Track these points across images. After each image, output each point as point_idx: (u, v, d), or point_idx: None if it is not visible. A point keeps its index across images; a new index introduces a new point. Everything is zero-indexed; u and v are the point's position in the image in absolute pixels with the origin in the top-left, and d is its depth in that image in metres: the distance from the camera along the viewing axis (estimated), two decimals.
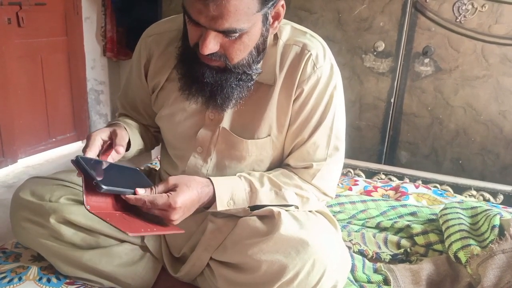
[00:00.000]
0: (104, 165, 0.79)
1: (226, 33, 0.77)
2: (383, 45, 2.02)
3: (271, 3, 0.78)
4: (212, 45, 0.77)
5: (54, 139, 2.83)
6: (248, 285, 0.84)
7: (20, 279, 0.97)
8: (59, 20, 2.74)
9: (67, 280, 0.98)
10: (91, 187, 0.72)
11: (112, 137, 0.85)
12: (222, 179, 0.89)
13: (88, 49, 2.89)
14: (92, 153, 0.80)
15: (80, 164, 0.73)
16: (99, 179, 0.71)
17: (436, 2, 1.85)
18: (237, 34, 0.77)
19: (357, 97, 2.08)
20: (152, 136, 1.09)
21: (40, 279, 0.98)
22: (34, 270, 1.00)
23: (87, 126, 3.01)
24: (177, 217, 0.80)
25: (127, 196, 0.76)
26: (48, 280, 0.98)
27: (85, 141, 0.84)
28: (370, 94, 2.07)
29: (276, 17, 0.84)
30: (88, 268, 0.94)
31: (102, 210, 0.74)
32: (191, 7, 0.75)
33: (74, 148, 2.96)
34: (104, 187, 0.70)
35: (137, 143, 0.99)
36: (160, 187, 0.81)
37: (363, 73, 2.06)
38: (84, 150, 0.81)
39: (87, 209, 0.71)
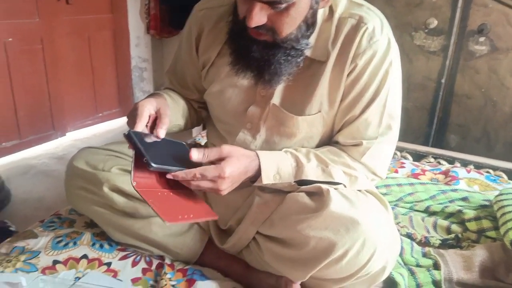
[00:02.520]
0: (153, 140, 0.79)
1: (271, 3, 0.75)
2: (435, 22, 1.92)
3: None
4: (258, 17, 0.76)
5: (100, 114, 2.93)
6: (295, 260, 0.84)
7: (75, 243, 1.02)
8: None
9: (119, 247, 1.02)
10: (140, 163, 0.73)
11: (159, 114, 0.85)
12: (268, 153, 0.88)
13: (132, 26, 2.94)
14: (141, 126, 0.80)
15: (132, 139, 0.74)
16: (149, 156, 0.72)
17: None
18: (283, 6, 0.75)
19: (405, 76, 1.98)
20: (195, 113, 1.08)
21: (93, 244, 1.02)
22: (87, 236, 1.04)
23: (131, 102, 3.10)
24: (225, 187, 0.81)
25: (175, 173, 0.77)
26: (101, 246, 1.02)
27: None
28: (419, 74, 1.99)
29: None
30: (139, 236, 0.97)
31: (147, 187, 0.75)
32: None
33: (119, 123, 3.06)
34: (154, 165, 0.71)
35: (175, 119, 0.99)
36: (213, 153, 0.80)
37: (412, 51, 1.98)
38: (132, 121, 0.81)
39: (132, 186, 0.73)
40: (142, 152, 0.72)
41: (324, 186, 0.86)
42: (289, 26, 0.80)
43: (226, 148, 0.82)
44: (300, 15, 0.80)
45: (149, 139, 0.78)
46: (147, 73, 3.11)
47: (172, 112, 0.94)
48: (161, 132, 0.81)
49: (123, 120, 3.10)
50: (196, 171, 0.77)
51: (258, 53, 0.82)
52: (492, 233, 1.13)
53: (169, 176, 0.77)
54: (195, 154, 0.78)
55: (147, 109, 0.83)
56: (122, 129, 2.96)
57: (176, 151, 0.85)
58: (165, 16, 2.90)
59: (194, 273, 0.96)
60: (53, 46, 2.50)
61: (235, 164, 0.81)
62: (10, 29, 2.26)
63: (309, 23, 0.83)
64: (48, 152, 2.51)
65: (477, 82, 1.90)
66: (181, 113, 1.03)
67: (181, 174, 0.77)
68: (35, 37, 2.40)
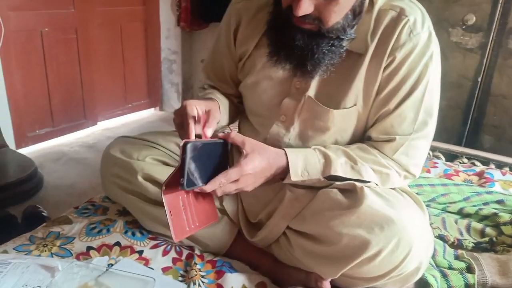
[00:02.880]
0: (199, 149, 0.79)
1: None
2: (474, 18, 1.85)
3: None
4: (306, 6, 0.75)
5: (130, 105, 2.98)
6: (327, 257, 0.83)
7: (108, 230, 1.04)
8: None
9: (150, 235, 1.04)
10: (176, 175, 0.76)
11: (208, 116, 0.85)
12: (296, 150, 0.88)
13: (163, 18, 2.97)
14: (192, 134, 0.79)
15: (185, 151, 0.75)
16: (187, 178, 0.75)
17: None
18: None
19: (440, 74, 1.94)
20: (235, 109, 1.08)
21: (126, 232, 1.04)
22: (120, 224, 1.06)
23: (159, 94, 3.13)
24: (249, 182, 0.82)
25: (204, 187, 0.79)
26: (133, 234, 1.04)
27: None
28: (454, 72, 1.93)
29: None
30: None
31: (173, 190, 0.78)
32: None
33: (147, 114, 3.11)
34: (187, 188, 0.76)
35: (222, 119, 0.99)
36: (238, 138, 0.83)
37: (448, 48, 1.91)
38: (179, 119, 0.82)
39: (162, 190, 0.75)
40: (183, 172, 0.75)
41: (358, 183, 0.85)
42: (337, 15, 0.78)
43: (248, 145, 0.82)
44: (348, 4, 0.78)
45: (197, 149, 0.78)
46: (176, 65, 3.14)
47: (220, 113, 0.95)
48: (209, 132, 0.82)
49: (151, 111, 3.16)
50: (220, 177, 0.78)
51: (302, 41, 0.81)
52: None
53: (197, 189, 0.80)
54: (221, 134, 0.83)
55: (195, 109, 0.82)
56: (150, 120, 3.01)
57: (215, 154, 0.84)
58: (196, 9, 2.91)
59: (223, 265, 0.97)
60: (87, 36, 2.55)
61: (256, 159, 0.81)
62: (47, 19, 2.32)
63: (356, 12, 0.81)
64: (79, 140, 2.57)
65: None
66: (227, 113, 1.03)
67: (208, 187, 0.78)
68: (70, 27, 2.45)
